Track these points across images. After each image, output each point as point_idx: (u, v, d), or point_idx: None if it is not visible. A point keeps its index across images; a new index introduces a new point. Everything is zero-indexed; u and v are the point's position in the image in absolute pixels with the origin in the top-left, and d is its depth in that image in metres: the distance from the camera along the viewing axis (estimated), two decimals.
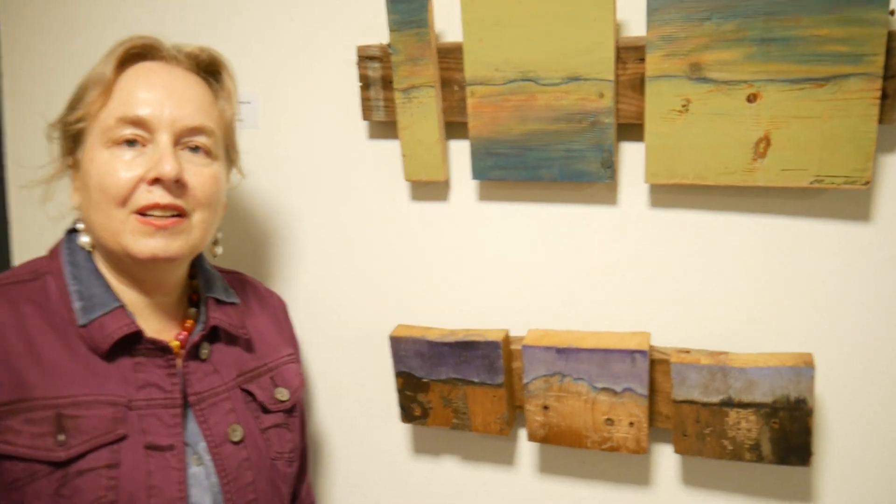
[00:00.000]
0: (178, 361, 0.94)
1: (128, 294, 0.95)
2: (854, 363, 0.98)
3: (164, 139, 0.90)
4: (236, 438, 0.95)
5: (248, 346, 1.04)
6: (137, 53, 0.94)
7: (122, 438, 0.87)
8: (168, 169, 0.89)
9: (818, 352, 0.99)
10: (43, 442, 0.84)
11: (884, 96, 0.89)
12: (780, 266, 0.99)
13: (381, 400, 1.23)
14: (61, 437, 0.84)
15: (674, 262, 1.04)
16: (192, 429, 0.93)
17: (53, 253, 0.97)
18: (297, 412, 1.07)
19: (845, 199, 0.95)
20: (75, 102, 0.94)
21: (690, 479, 1.08)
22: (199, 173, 0.93)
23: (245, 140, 1.24)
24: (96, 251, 0.95)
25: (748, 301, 1.01)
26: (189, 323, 1.00)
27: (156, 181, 0.89)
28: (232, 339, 1.02)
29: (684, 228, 1.03)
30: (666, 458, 1.08)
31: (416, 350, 1.09)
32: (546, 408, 1.05)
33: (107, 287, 0.93)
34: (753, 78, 0.93)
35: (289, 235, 1.24)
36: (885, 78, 0.89)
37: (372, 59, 1.10)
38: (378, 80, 1.11)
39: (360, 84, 1.12)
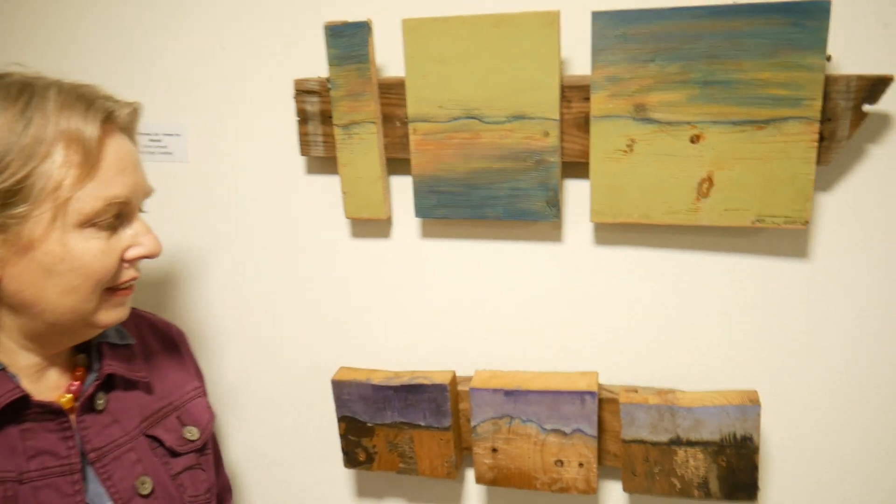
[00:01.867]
0: (73, 417, 0.86)
1: (20, 355, 0.85)
2: (796, 397, 1.00)
3: (139, 216, 0.86)
4: (146, 491, 0.89)
5: (148, 388, 0.97)
6: (107, 118, 0.82)
7: None
8: (157, 248, 0.86)
9: (761, 387, 1.00)
10: None
11: (821, 139, 0.91)
12: (723, 303, 1.00)
13: (321, 443, 1.19)
14: None
15: (619, 300, 1.04)
16: (95, 489, 0.85)
17: None
18: (209, 449, 1.01)
19: (785, 238, 0.97)
20: (26, 158, 0.76)
21: None
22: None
23: (174, 174, 1.18)
24: None
25: (694, 338, 1.02)
26: (79, 371, 0.91)
27: (136, 259, 0.85)
28: (130, 384, 0.94)
29: (629, 266, 1.03)
30: (614, 496, 1.08)
31: (359, 394, 1.06)
32: (494, 450, 1.03)
33: None
34: (697, 119, 0.93)
35: (223, 274, 1.19)
36: (822, 121, 0.91)
37: (310, 92, 1.07)
38: (317, 114, 1.07)
39: (298, 118, 1.08)
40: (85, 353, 0.93)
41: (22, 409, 0.82)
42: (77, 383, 0.89)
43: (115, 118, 0.83)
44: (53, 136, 0.77)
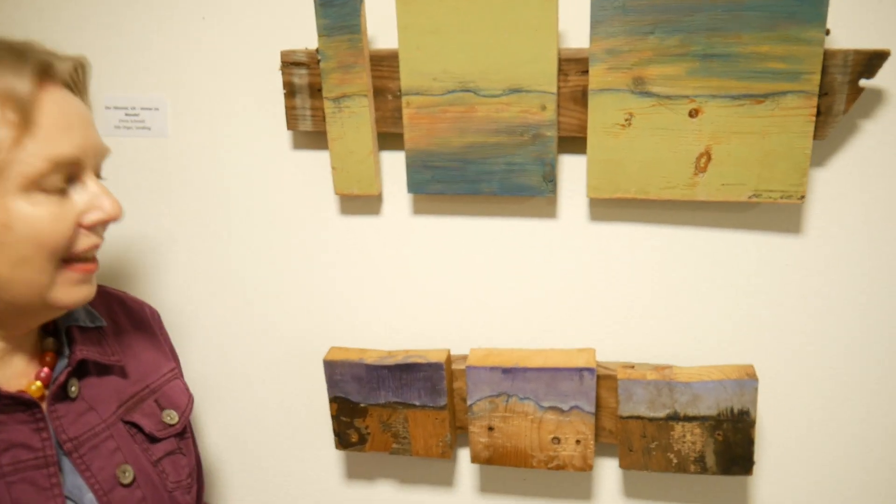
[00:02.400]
0: (44, 406, 0.81)
1: None
2: (790, 372, 1.01)
3: (91, 175, 0.79)
4: (127, 480, 0.84)
5: (123, 371, 0.91)
6: (44, 71, 0.75)
7: None
8: (115, 209, 0.78)
9: (757, 361, 1.01)
10: None
11: (818, 113, 0.91)
12: (719, 278, 1.00)
13: (310, 425, 1.17)
14: None
15: (615, 276, 1.03)
16: (73, 481, 0.81)
17: None
18: (188, 433, 0.97)
19: (780, 213, 0.97)
20: None
21: (633, 491, 1.08)
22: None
23: (153, 150, 1.14)
24: None
25: (689, 313, 1.02)
26: (49, 357, 0.85)
27: (96, 224, 0.78)
28: (104, 369, 0.89)
29: (625, 242, 1.02)
30: (609, 472, 1.08)
31: (352, 374, 1.04)
32: (491, 429, 1.02)
33: None
34: (696, 93, 0.92)
35: (206, 252, 1.15)
36: (820, 95, 0.91)
37: (298, 64, 1.03)
38: (305, 87, 1.04)
39: (285, 91, 1.04)
40: (53, 336, 0.87)
41: None
42: (47, 370, 0.84)
43: (55, 72, 0.76)
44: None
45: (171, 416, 0.93)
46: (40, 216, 0.73)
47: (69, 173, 0.76)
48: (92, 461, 0.83)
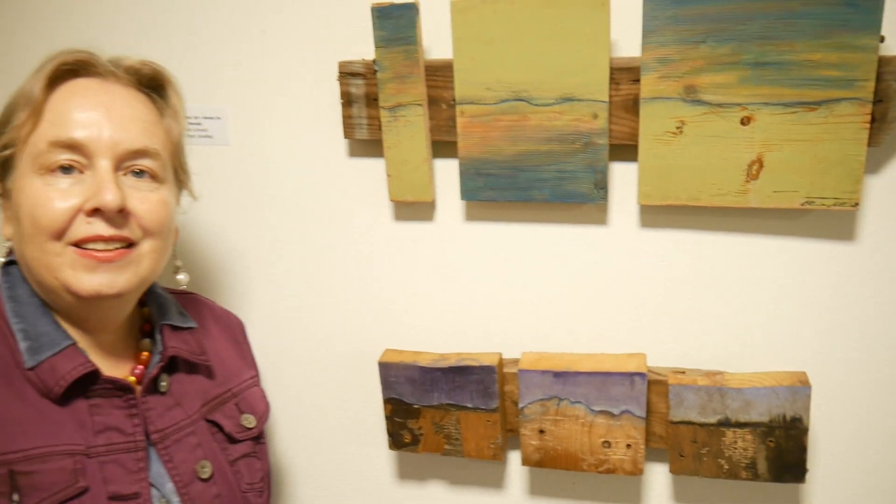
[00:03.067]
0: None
1: (75, 333, 0.86)
2: (843, 379, 1.00)
3: (104, 165, 0.82)
4: (205, 475, 0.89)
5: (210, 372, 0.97)
6: (70, 70, 0.85)
7: (83, 492, 0.79)
8: (110, 198, 0.80)
9: (809, 368, 1.00)
10: None
11: (872, 120, 0.91)
12: (771, 285, 1.00)
13: (363, 426, 1.19)
14: (16, 498, 0.76)
15: (665, 283, 1.04)
16: (157, 469, 0.86)
17: None
18: (264, 439, 1.02)
19: (834, 220, 0.97)
20: (2, 126, 0.84)
21: (682, 496, 1.08)
22: (144, 199, 0.85)
23: (214, 158, 1.18)
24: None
25: (740, 320, 1.02)
26: (144, 355, 0.92)
27: (95, 212, 0.81)
28: (192, 368, 0.95)
29: (675, 249, 1.03)
30: (658, 477, 1.09)
31: (406, 376, 1.06)
32: (542, 431, 1.04)
33: (55, 323, 0.84)
34: (747, 101, 0.93)
35: (263, 256, 1.19)
36: (874, 102, 0.90)
37: (354, 75, 1.07)
38: (361, 97, 1.07)
39: (342, 101, 1.08)
40: (150, 338, 0.94)
41: (90, 384, 0.83)
42: (141, 367, 0.90)
43: (93, 64, 0.86)
44: (17, 97, 0.84)
45: (250, 420, 0.98)
46: (41, 197, 0.81)
47: (74, 158, 0.82)
48: (175, 453, 0.88)
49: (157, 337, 0.93)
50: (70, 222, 0.80)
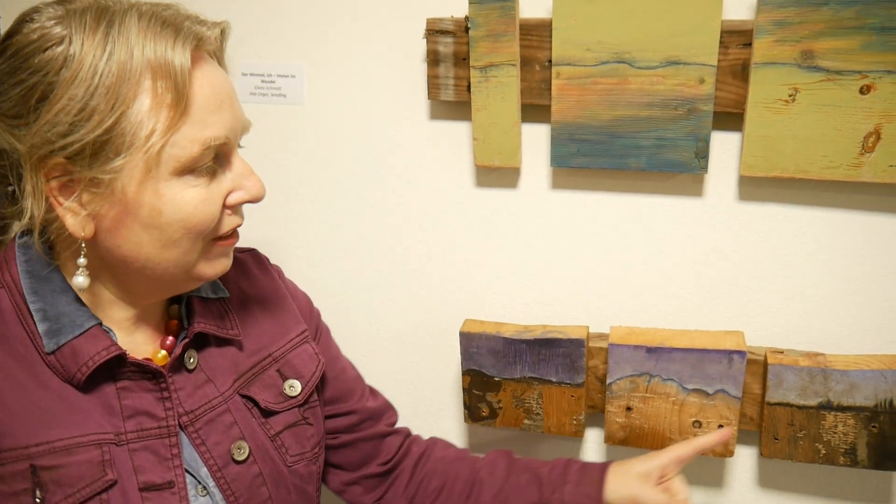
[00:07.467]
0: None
1: (117, 307, 0.79)
2: None
3: (239, 155, 0.77)
4: (241, 457, 0.82)
5: (242, 345, 0.89)
6: (196, 43, 0.72)
7: (112, 485, 0.73)
8: (261, 190, 0.77)
9: None
10: (17, 502, 0.70)
11: None
12: (879, 264, 0.96)
13: (435, 397, 1.16)
14: (39, 495, 0.70)
15: (763, 259, 0.99)
16: (189, 453, 0.80)
17: (2, 262, 0.78)
18: (316, 399, 0.94)
19: None
20: (104, 101, 0.67)
21: (767, 482, 1.05)
22: None
23: (289, 117, 1.14)
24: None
25: (842, 300, 0.98)
26: (174, 324, 0.85)
27: (238, 204, 0.77)
28: (223, 340, 0.87)
29: (775, 223, 0.98)
30: (744, 460, 1.05)
31: (489, 347, 1.03)
32: (629, 409, 1.00)
33: (78, 302, 0.76)
34: (869, 69, 0.88)
35: (338, 221, 1.15)
36: None
37: (443, 33, 1.02)
38: (450, 55, 1.02)
39: (428, 60, 1.03)
40: (178, 303, 0.86)
41: (117, 366, 0.76)
42: (171, 338, 0.83)
43: (205, 43, 0.73)
44: (140, 72, 0.67)
45: (294, 387, 0.90)
46: (190, 200, 0.72)
47: (217, 154, 0.74)
48: (208, 436, 0.81)
49: (183, 311, 0.86)
50: (221, 220, 0.76)
